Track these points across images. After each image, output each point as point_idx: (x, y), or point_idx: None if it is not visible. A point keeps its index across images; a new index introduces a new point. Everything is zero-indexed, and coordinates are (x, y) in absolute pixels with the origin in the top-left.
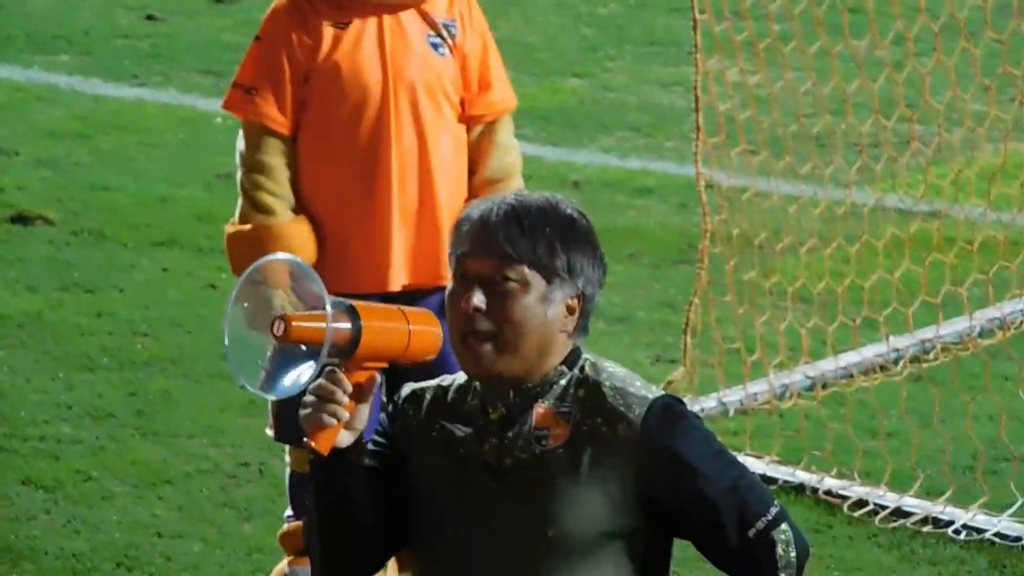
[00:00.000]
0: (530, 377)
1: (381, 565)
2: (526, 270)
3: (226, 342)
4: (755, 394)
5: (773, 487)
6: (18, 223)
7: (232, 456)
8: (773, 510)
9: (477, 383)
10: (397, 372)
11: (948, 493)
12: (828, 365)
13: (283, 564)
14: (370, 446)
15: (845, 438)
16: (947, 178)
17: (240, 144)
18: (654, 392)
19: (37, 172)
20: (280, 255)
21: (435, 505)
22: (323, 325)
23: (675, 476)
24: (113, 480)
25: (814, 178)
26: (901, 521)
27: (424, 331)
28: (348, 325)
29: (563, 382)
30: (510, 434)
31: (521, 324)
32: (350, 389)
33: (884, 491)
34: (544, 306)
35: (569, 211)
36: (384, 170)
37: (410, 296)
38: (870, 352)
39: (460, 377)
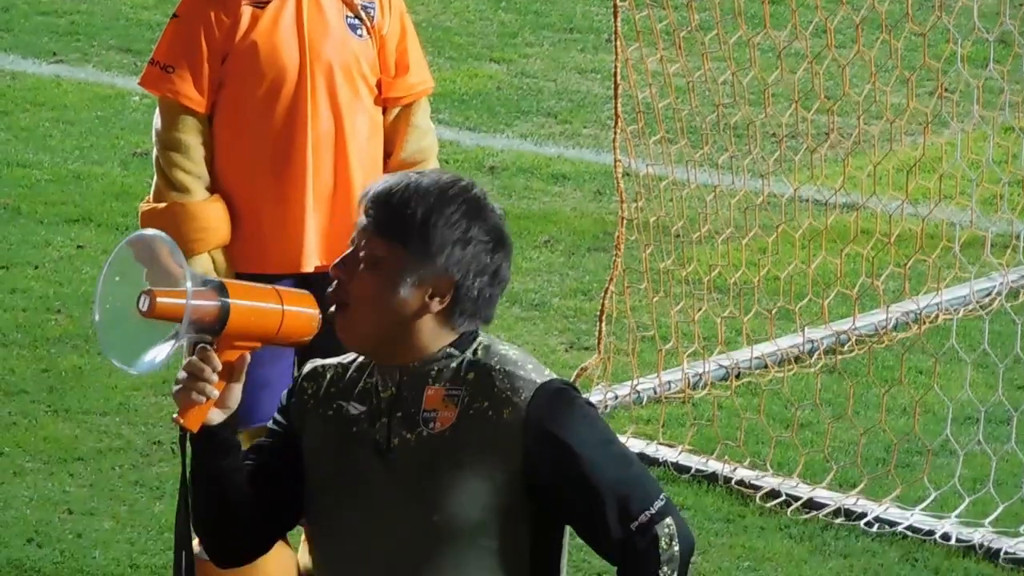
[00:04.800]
0: (402, 357)
1: (270, 540)
2: (381, 245)
3: (96, 317)
4: (669, 383)
5: (685, 476)
6: None
7: (144, 434)
8: (658, 504)
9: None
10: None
11: (861, 485)
12: (743, 355)
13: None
14: (270, 424)
15: (758, 428)
16: (865, 170)
17: (156, 122)
18: (545, 376)
19: None
20: (149, 231)
21: (326, 483)
22: (182, 302)
23: (557, 461)
24: (24, 456)
25: (732, 168)
26: (813, 513)
27: (299, 313)
28: (214, 302)
29: (453, 364)
30: (399, 414)
31: (360, 300)
32: (219, 367)
33: (797, 482)
34: (393, 284)
35: (454, 191)
36: (299, 151)
37: (324, 277)
38: (785, 343)
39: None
